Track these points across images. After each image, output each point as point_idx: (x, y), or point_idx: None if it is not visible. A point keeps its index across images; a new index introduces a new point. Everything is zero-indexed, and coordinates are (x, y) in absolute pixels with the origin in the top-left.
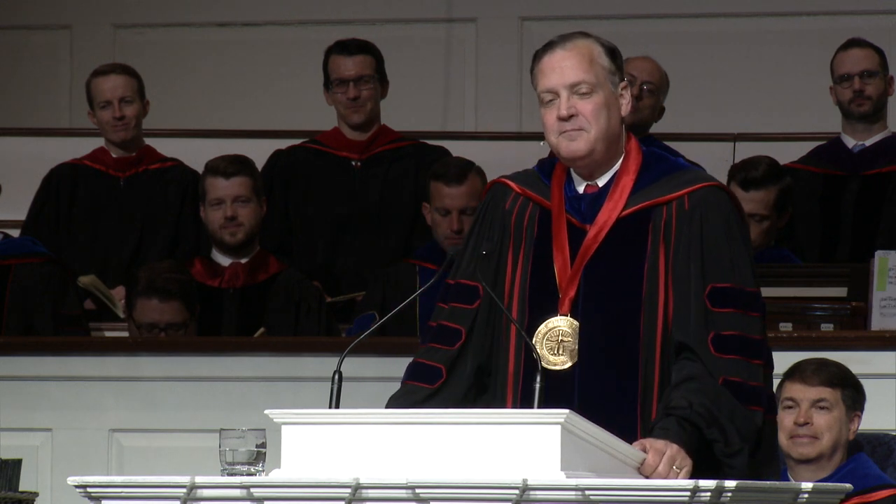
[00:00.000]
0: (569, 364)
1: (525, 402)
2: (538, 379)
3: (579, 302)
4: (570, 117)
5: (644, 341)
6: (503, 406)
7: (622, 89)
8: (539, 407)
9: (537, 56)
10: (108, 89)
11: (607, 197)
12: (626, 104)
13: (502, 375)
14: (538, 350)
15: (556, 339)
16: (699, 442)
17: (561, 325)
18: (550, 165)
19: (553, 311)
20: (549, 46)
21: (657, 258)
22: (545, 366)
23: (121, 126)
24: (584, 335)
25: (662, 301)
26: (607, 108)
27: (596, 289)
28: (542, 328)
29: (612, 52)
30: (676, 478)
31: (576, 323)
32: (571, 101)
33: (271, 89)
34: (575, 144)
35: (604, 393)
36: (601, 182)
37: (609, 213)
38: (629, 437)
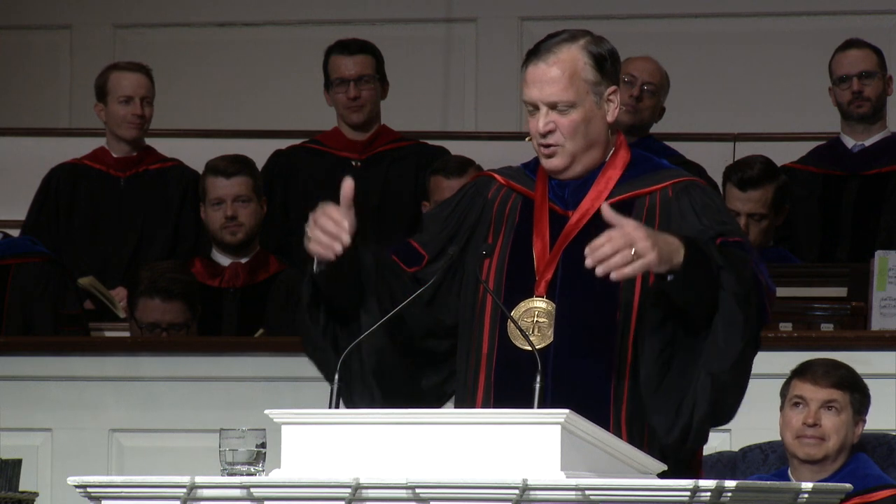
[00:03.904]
0: (543, 344)
1: (499, 390)
2: (538, 379)
3: (556, 284)
4: (547, 133)
5: (619, 325)
6: (467, 391)
7: (610, 94)
8: (539, 406)
9: (526, 60)
10: (132, 86)
11: (592, 185)
12: (613, 110)
13: (475, 359)
14: (512, 330)
15: (531, 320)
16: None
17: (537, 306)
18: (536, 162)
19: (529, 293)
20: (534, 54)
21: None
22: (518, 346)
23: (138, 124)
24: (559, 316)
25: (639, 286)
26: (586, 123)
27: (573, 272)
28: (518, 309)
29: (601, 61)
30: (626, 257)
31: (552, 305)
32: (550, 115)
33: (271, 89)
34: (551, 161)
35: (577, 374)
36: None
37: (592, 201)
38: (601, 420)
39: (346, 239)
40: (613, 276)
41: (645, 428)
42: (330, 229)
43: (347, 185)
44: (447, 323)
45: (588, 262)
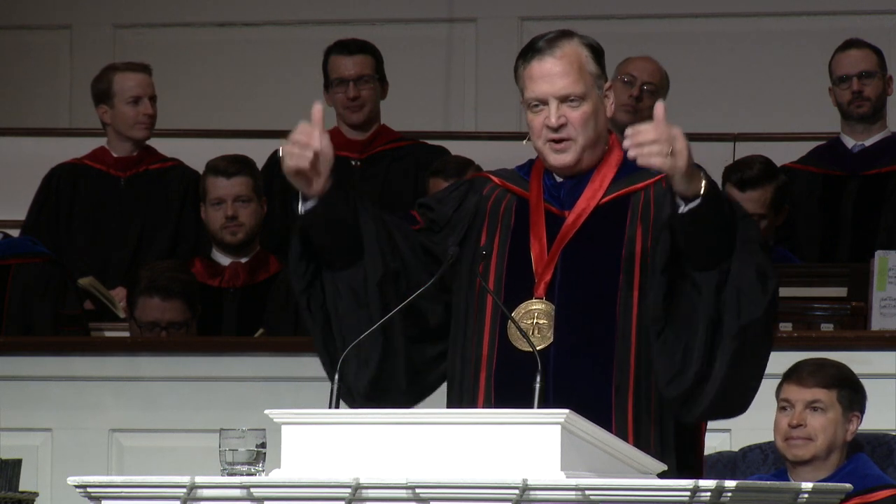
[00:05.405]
0: (543, 346)
1: (500, 391)
2: (538, 379)
3: (556, 285)
4: (559, 127)
5: (620, 325)
6: (468, 392)
7: (607, 90)
8: (539, 406)
9: (524, 58)
10: (139, 86)
11: (587, 185)
12: (610, 105)
13: (474, 360)
14: (513, 331)
15: (531, 322)
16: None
17: (536, 307)
18: (530, 163)
19: (528, 295)
20: (536, 51)
21: (634, 243)
22: (519, 347)
23: (148, 124)
24: (559, 318)
25: (638, 285)
26: (595, 115)
27: (573, 272)
28: (517, 311)
29: (598, 53)
30: (663, 149)
31: (552, 306)
32: (561, 109)
33: (271, 89)
34: (562, 157)
35: (578, 375)
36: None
37: (588, 201)
38: (603, 422)
39: (317, 144)
40: (642, 161)
41: (651, 427)
42: (300, 139)
43: (317, 108)
44: (441, 295)
45: (626, 143)
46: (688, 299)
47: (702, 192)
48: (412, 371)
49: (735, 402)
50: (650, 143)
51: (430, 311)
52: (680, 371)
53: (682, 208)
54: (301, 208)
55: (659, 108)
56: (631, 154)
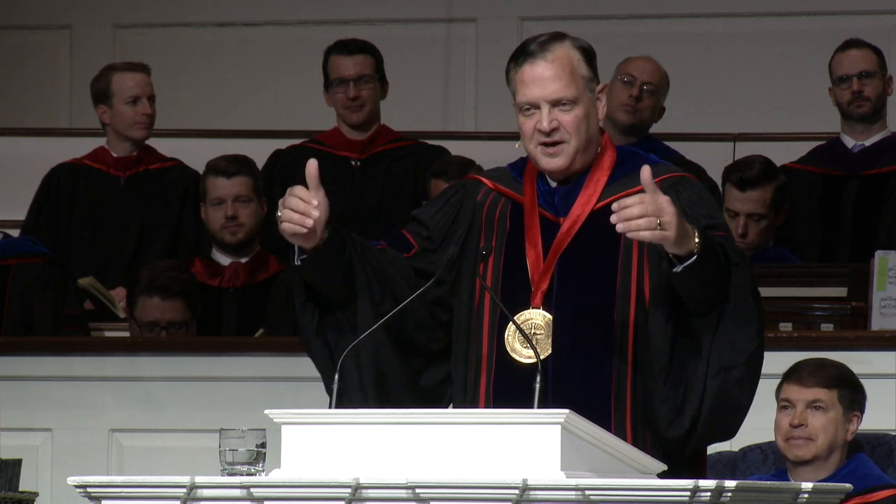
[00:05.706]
0: (541, 356)
1: (498, 395)
2: (538, 379)
3: (553, 294)
4: (551, 131)
5: (617, 333)
6: (467, 396)
7: (599, 93)
8: (539, 406)
9: (516, 61)
10: (138, 86)
11: (581, 190)
12: (602, 108)
13: (474, 367)
14: (510, 342)
15: (528, 332)
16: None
17: (533, 317)
18: (523, 162)
19: (525, 304)
20: (527, 54)
21: (630, 250)
22: (517, 358)
23: (147, 124)
24: (557, 327)
25: (635, 293)
26: (587, 118)
27: (569, 281)
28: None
29: (589, 56)
30: (651, 223)
31: (549, 315)
32: (553, 113)
33: (271, 89)
34: (555, 160)
35: (576, 385)
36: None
37: (583, 207)
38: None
39: (316, 213)
40: (630, 235)
41: (648, 435)
42: (299, 207)
43: (312, 165)
44: (441, 318)
45: (613, 219)
46: (683, 344)
47: (695, 249)
48: (422, 394)
49: (726, 433)
50: (637, 217)
51: (430, 339)
52: (680, 414)
53: (677, 267)
54: (297, 259)
55: (645, 172)
56: (619, 229)
